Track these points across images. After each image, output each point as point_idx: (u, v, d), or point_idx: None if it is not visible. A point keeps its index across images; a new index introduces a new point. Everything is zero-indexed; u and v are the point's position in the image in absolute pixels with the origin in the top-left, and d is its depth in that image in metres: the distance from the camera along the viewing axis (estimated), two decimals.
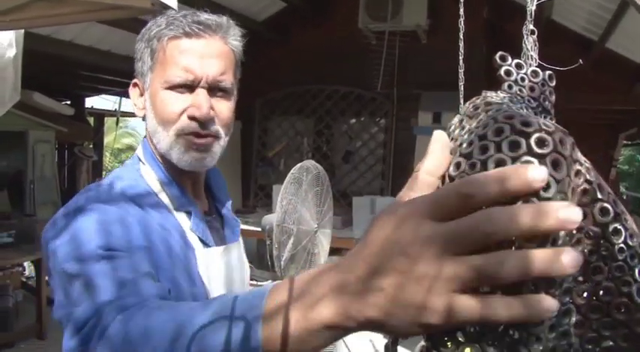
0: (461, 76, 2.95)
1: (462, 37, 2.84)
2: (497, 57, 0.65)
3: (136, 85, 1.13)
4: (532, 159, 0.49)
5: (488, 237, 0.41)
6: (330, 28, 6.36)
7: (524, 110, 0.62)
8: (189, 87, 1.04)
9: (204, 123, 1.04)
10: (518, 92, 0.65)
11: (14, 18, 2.74)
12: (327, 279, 0.47)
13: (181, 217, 1.08)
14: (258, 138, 6.89)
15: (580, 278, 0.57)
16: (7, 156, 6.39)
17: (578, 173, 0.54)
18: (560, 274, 0.43)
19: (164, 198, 1.08)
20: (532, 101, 0.66)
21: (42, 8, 2.70)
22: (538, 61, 2.27)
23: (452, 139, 0.58)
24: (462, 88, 3.13)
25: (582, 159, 0.55)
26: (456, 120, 0.61)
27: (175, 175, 1.10)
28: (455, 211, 0.42)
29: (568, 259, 0.43)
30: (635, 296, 0.57)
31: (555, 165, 0.50)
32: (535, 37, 2.29)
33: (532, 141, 0.49)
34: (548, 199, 0.49)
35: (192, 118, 1.04)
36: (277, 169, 6.64)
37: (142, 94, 1.11)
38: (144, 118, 1.12)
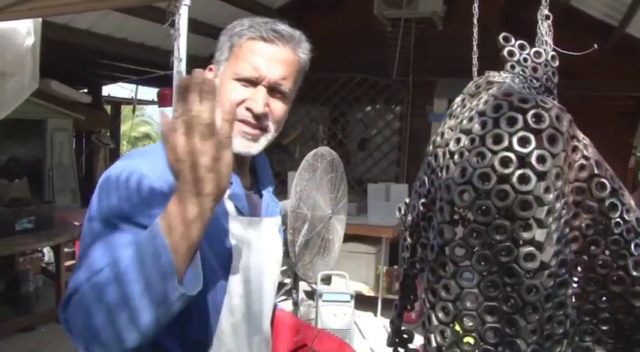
0: (475, 61, 2.95)
1: (475, 22, 2.83)
2: (500, 38, 0.66)
3: (211, 69, 1.24)
4: (528, 134, 0.50)
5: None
6: (345, 15, 6.34)
7: (526, 89, 0.64)
8: (253, 83, 1.16)
9: (257, 116, 1.16)
10: (521, 72, 0.66)
11: (32, 7, 2.78)
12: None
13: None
14: None
15: (578, 253, 0.58)
16: (26, 144, 6.48)
17: (575, 149, 0.55)
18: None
19: None
20: (535, 81, 0.67)
21: None
22: (553, 46, 2.25)
23: (454, 117, 0.60)
24: (476, 74, 3.11)
25: (580, 136, 0.57)
26: (458, 99, 0.63)
27: None
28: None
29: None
30: (630, 269, 0.58)
31: (551, 140, 0.52)
32: (550, 22, 2.26)
33: (529, 116, 0.51)
34: (544, 173, 0.50)
35: (248, 109, 1.16)
36: (292, 156, 6.66)
37: (215, 77, 1.21)
38: None
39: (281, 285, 5.21)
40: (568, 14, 5.05)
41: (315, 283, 3.46)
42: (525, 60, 0.68)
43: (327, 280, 4.65)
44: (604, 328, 0.61)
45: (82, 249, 1.00)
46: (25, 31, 3.56)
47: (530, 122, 0.52)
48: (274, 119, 1.20)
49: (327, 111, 6.72)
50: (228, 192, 1.15)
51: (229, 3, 5.57)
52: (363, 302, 4.87)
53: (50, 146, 6.44)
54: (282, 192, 6.18)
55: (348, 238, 4.54)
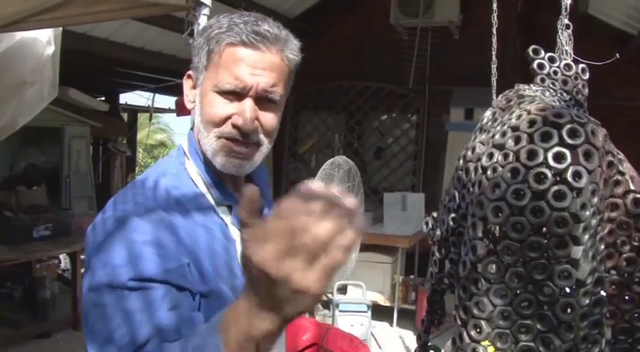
0: (493, 71, 2.93)
1: (494, 32, 2.81)
2: (530, 50, 0.65)
3: (189, 77, 1.15)
4: (564, 150, 0.50)
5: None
6: (361, 24, 6.36)
7: (557, 103, 0.63)
8: (238, 94, 1.04)
9: (246, 133, 1.05)
10: (551, 85, 0.65)
11: (53, 16, 2.81)
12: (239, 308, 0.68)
13: (222, 211, 1.11)
14: (290, 134, 6.92)
15: (613, 271, 0.57)
16: (44, 152, 6.54)
17: (610, 164, 0.54)
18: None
19: (206, 193, 1.10)
20: (565, 94, 0.66)
21: (79, 6, 2.76)
22: (573, 55, 2.23)
23: (485, 131, 0.59)
24: (495, 84, 3.10)
25: (615, 150, 0.56)
26: (488, 113, 0.62)
27: (217, 170, 1.11)
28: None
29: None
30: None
31: (587, 156, 0.51)
32: (570, 31, 2.24)
33: (564, 132, 0.50)
34: (580, 189, 0.49)
35: (235, 126, 1.05)
36: (308, 165, 6.66)
37: (194, 87, 1.13)
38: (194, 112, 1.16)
39: None
40: (586, 23, 5.02)
41: (331, 293, 3.44)
42: (555, 73, 0.67)
43: (342, 290, 4.64)
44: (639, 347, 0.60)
45: (98, 321, 0.89)
46: (45, 40, 3.60)
47: (565, 137, 0.51)
48: (266, 131, 1.09)
49: (343, 119, 6.72)
50: (229, 218, 1.11)
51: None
52: (378, 311, 4.84)
53: (68, 153, 6.50)
54: None
55: (364, 248, 4.53)
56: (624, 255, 0.58)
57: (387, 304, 5.08)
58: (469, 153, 0.62)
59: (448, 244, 0.64)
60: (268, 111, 1.08)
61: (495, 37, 2.67)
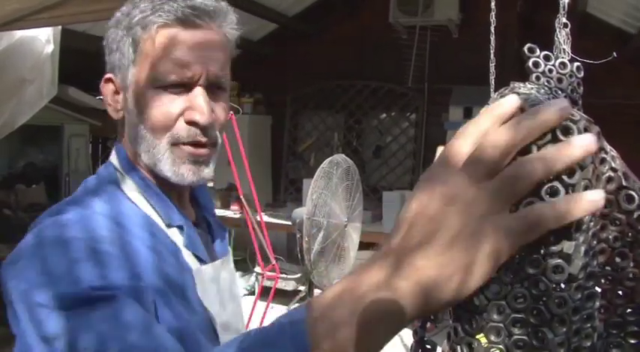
0: (492, 69, 2.94)
1: (493, 31, 2.82)
2: (525, 49, 0.66)
3: (109, 80, 0.94)
4: None
5: (528, 188, 0.48)
6: (360, 23, 6.37)
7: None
8: (185, 85, 0.87)
9: (205, 128, 0.88)
10: (546, 83, 0.66)
11: (53, 15, 2.82)
12: (377, 258, 0.47)
13: (173, 233, 0.92)
14: (289, 132, 6.93)
15: (606, 266, 0.58)
16: (43, 150, 6.54)
17: (603, 161, 0.55)
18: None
19: (152, 214, 0.91)
20: (560, 92, 0.67)
21: (79, 5, 2.77)
22: (571, 54, 2.24)
23: None
24: (493, 82, 3.11)
25: (608, 147, 0.57)
26: (483, 110, 0.63)
27: (160, 186, 0.94)
28: (493, 168, 0.45)
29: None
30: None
31: None
32: (568, 30, 2.25)
33: (557, 129, 0.51)
34: (572, 185, 0.50)
35: (191, 123, 0.88)
36: (307, 164, 6.67)
37: (117, 92, 0.94)
38: (122, 121, 0.96)
39: (295, 293, 5.22)
40: (585, 22, 5.03)
41: None
42: (550, 71, 0.68)
43: None
44: (632, 341, 0.61)
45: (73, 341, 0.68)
46: (44, 38, 3.61)
47: (558, 134, 0.52)
48: (220, 126, 0.92)
49: (342, 118, 6.73)
50: (182, 240, 0.93)
51: (245, 11, 5.60)
52: None
53: (67, 152, 6.50)
54: (297, 199, 6.19)
55: (363, 246, 4.54)
56: (617, 250, 0.59)
57: None
58: None
59: None
60: (220, 101, 0.92)
61: (494, 36, 2.68)
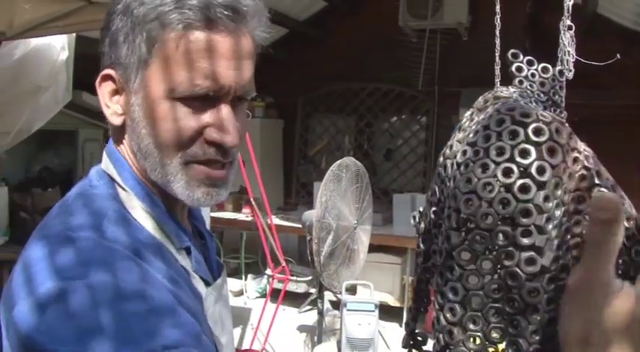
0: (497, 72, 2.96)
1: (497, 33, 2.85)
2: (509, 54, 0.70)
3: (109, 77, 0.80)
4: (529, 146, 0.54)
5: None
6: (370, 26, 6.40)
7: (533, 104, 0.67)
8: (209, 98, 0.75)
9: (227, 150, 0.77)
10: (529, 87, 0.70)
11: (67, 23, 2.89)
12: None
13: (182, 258, 0.82)
14: (300, 136, 6.98)
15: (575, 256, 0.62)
16: (58, 155, 6.64)
17: (576, 160, 0.59)
18: None
19: (160, 236, 0.79)
20: (542, 95, 0.71)
21: (93, 13, 2.84)
22: (575, 56, 2.27)
23: (462, 130, 0.64)
24: (499, 85, 3.14)
25: (582, 147, 0.60)
26: (468, 113, 0.67)
27: (166, 202, 0.82)
28: None
29: None
30: (631, 274, 0.62)
31: (551, 152, 0.56)
32: (572, 32, 2.28)
33: (529, 130, 0.55)
34: (544, 183, 0.54)
35: (213, 143, 0.76)
36: (318, 167, 6.71)
37: (118, 92, 0.80)
38: (122, 127, 0.81)
39: (307, 295, 5.25)
40: (595, 23, 5.03)
41: (340, 293, 3.49)
42: (533, 75, 0.71)
43: (352, 290, 4.68)
44: None
45: None
46: (59, 46, 3.69)
47: (530, 135, 0.56)
48: (241, 141, 0.80)
49: (353, 121, 6.77)
50: (190, 264, 0.82)
51: None
52: (388, 312, 4.88)
53: (81, 156, 6.60)
54: (308, 203, 6.23)
55: (373, 248, 4.56)
56: None
57: (397, 305, 5.11)
58: (447, 150, 0.67)
59: (431, 236, 0.68)
60: (241, 113, 0.80)
61: (499, 39, 2.70)
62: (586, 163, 0.59)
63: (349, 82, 6.57)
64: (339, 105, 6.74)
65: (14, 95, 3.63)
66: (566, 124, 0.58)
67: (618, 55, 2.47)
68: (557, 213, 0.56)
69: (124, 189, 0.80)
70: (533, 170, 0.54)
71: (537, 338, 0.57)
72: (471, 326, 0.57)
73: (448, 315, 0.58)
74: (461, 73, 6.00)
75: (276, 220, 5.40)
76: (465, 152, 0.59)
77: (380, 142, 6.73)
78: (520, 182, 0.53)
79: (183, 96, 0.73)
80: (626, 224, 0.61)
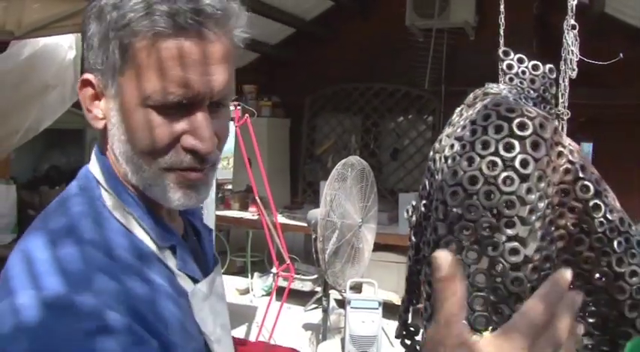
0: (500, 71, 2.96)
1: (502, 33, 2.88)
2: (500, 52, 0.71)
3: (88, 83, 0.79)
4: (513, 140, 0.56)
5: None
6: (377, 26, 6.42)
7: (522, 100, 0.69)
8: (184, 106, 0.74)
9: (205, 157, 0.77)
10: (519, 84, 0.71)
11: (75, 22, 2.92)
12: None
13: (166, 256, 0.82)
14: (307, 135, 7.00)
15: (564, 251, 0.63)
16: (66, 153, 6.69)
17: (560, 154, 0.61)
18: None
19: (143, 236, 0.80)
20: (532, 92, 0.73)
21: None
22: (579, 55, 2.28)
23: (452, 125, 0.66)
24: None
25: (567, 142, 0.62)
26: (458, 109, 0.69)
27: (148, 204, 0.83)
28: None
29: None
30: (613, 265, 0.63)
31: (535, 146, 0.58)
32: (576, 32, 2.29)
33: (514, 124, 0.57)
34: (527, 175, 0.56)
35: (188, 150, 0.76)
36: (325, 166, 6.73)
37: (98, 97, 0.80)
38: (104, 131, 0.82)
39: (312, 293, 5.27)
40: (603, 22, 5.01)
41: (345, 291, 3.52)
42: (524, 72, 0.73)
43: (358, 289, 4.69)
44: (591, 320, 0.66)
45: None
46: (67, 45, 3.72)
47: (515, 129, 0.58)
48: (222, 144, 0.81)
49: (359, 121, 6.78)
50: (175, 262, 0.83)
51: (264, 15, 5.69)
52: (393, 310, 4.89)
53: (88, 155, 6.61)
54: (314, 202, 6.25)
55: (379, 247, 4.58)
56: (574, 236, 0.64)
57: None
58: (437, 144, 0.69)
59: (422, 229, 0.70)
60: (221, 118, 0.79)
61: (503, 39, 2.71)
62: (570, 157, 0.61)
63: (356, 81, 6.58)
64: (346, 104, 6.75)
65: (22, 94, 3.67)
66: (552, 119, 0.60)
67: (621, 55, 2.48)
68: (541, 205, 0.58)
69: (107, 190, 0.81)
70: (516, 163, 0.56)
71: None
72: None
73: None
74: (467, 72, 6.00)
75: (282, 219, 5.42)
76: (452, 146, 0.61)
77: (386, 142, 6.73)
78: (504, 175, 0.55)
79: (157, 105, 0.73)
80: (609, 217, 0.63)
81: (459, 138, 0.61)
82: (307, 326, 4.80)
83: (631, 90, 5.10)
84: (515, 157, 0.58)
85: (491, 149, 0.59)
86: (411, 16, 5.86)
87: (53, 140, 6.25)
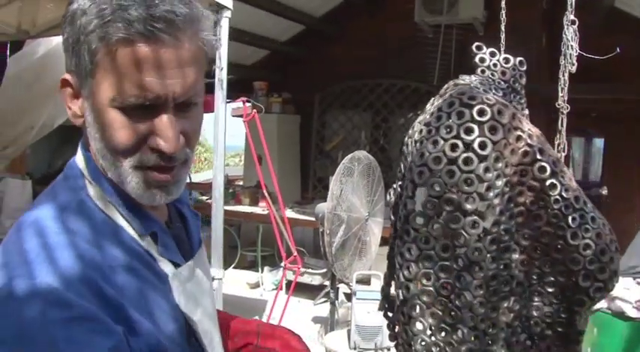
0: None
1: (502, 29, 2.92)
2: (473, 47, 0.77)
3: (67, 83, 0.85)
4: (473, 125, 0.63)
5: None
6: (386, 22, 6.47)
7: (492, 90, 0.76)
8: (149, 108, 0.78)
9: (171, 156, 0.81)
10: (490, 76, 0.78)
11: None
12: None
13: (148, 243, 0.87)
14: (317, 131, 7.07)
15: (520, 222, 0.70)
16: (72, 150, 6.81)
17: (519, 138, 0.67)
18: None
19: (123, 223, 0.85)
20: (502, 83, 0.79)
21: None
22: (578, 51, 2.33)
23: (424, 113, 0.73)
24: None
25: (526, 127, 0.68)
26: (432, 99, 0.75)
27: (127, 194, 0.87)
28: None
29: None
30: (569, 239, 0.69)
31: (493, 130, 0.64)
32: (576, 27, 2.34)
33: (474, 111, 0.63)
34: (485, 156, 0.62)
35: (155, 150, 0.80)
36: (335, 162, 6.78)
37: (76, 96, 0.85)
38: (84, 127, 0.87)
39: (321, 287, 5.34)
40: (613, 17, 5.02)
41: (352, 283, 3.59)
42: (495, 65, 0.80)
43: (366, 282, 4.76)
44: (549, 290, 0.72)
45: None
46: None
47: (475, 115, 0.64)
48: (192, 142, 0.85)
49: (369, 117, 6.84)
50: (156, 247, 0.88)
51: (273, 13, 5.76)
52: None
53: None
54: (324, 197, 6.30)
55: (386, 241, 4.62)
56: (533, 213, 0.70)
57: None
58: (410, 130, 0.76)
59: (398, 207, 0.77)
60: (190, 118, 0.83)
61: (504, 34, 2.76)
62: (529, 141, 0.67)
63: (365, 78, 6.63)
64: (356, 100, 6.81)
65: (37, 91, 3.76)
66: (510, 106, 0.66)
67: (618, 49, 2.51)
68: (499, 183, 0.64)
69: (90, 182, 0.86)
70: (475, 145, 0.63)
71: (481, 292, 0.65)
72: (424, 281, 0.66)
73: (405, 272, 0.67)
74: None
75: (292, 214, 5.49)
76: (421, 131, 0.68)
77: (396, 137, 6.78)
78: (464, 155, 0.62)
79: (123, 106, 0.77)
80: (564, 195, 0.69)
81: (427, 124, 0.68)
82: (316, 320, 4.88)
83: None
84: (474, 140, 0.64)
85: (454, 133, 0.65)
86: (420, 12, 5.90)
87: (67, 136, 6.37)
